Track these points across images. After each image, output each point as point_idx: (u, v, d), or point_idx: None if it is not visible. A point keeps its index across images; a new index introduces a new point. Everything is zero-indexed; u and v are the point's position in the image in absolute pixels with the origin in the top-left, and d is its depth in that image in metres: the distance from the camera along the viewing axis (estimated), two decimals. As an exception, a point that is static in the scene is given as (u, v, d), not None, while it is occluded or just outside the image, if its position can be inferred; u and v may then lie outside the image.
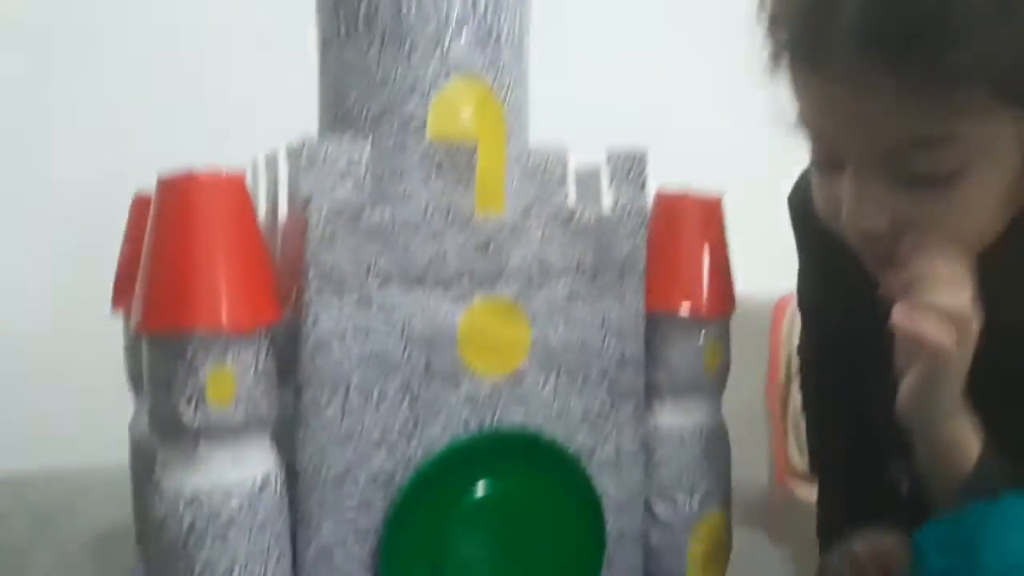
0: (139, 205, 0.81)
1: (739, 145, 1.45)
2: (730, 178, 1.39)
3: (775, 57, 0.60)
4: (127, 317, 0.81)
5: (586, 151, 0.81)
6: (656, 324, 0.76)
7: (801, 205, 0.76)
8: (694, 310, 0.75)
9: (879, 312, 0.59)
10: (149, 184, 0.82)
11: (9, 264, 1.18)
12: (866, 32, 0.51)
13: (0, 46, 1.16)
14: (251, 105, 1.21)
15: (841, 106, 0.56)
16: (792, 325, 1.41)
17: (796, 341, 1.37)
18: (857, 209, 0.58)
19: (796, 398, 1.38)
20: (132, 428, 0.83)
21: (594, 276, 0.72)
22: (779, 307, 1.46)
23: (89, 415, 1.06)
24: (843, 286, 0.71)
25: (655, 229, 0.76)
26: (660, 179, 0.77)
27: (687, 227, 0.76)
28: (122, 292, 0.81)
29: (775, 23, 0.59)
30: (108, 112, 1.21)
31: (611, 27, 1.36)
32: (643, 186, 0.74)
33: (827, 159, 0.61)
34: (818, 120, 0.59)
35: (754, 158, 1.44)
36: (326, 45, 0.73)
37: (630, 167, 0.73)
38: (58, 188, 1.19)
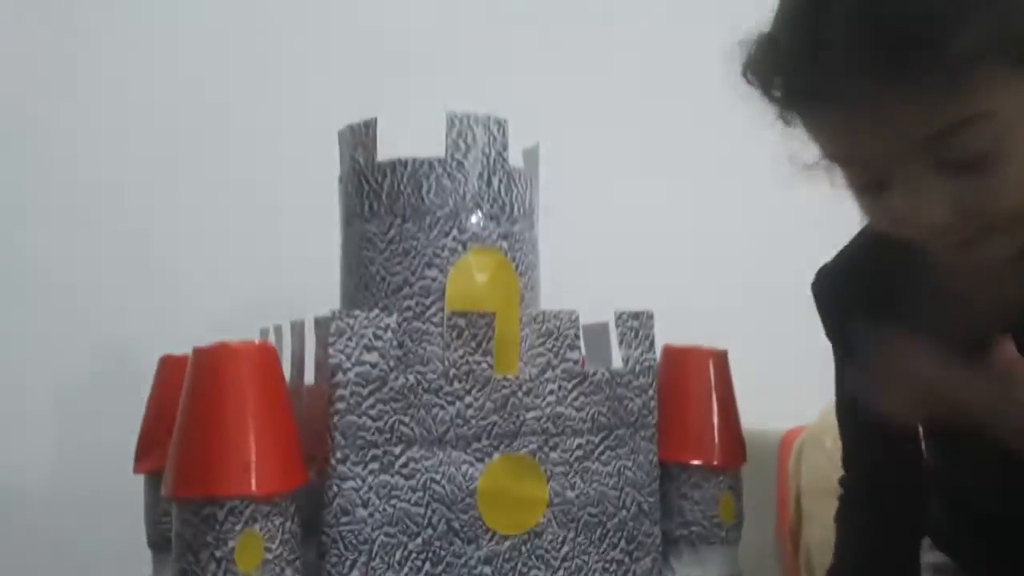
0: (166, 366, 0.84)
1: (740, 287, 1.51)
2: (734, 319, 1.45)
3: (784, 112, 0.61)
4: (149, 478, 0.83)
5: (597, 304, 0.85)
6: (670, 476, 0.78)
7: (824, 291, 0.78)
8: (707, 461, 0.77)
9: None
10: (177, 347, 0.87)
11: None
12: (863, 55, 0.52)
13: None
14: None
15: (865, 127, 0.56)
16: (799, 460, 1.42)
17: (804, 474, 1.39)
18: (918, 210, 0.57)
19: (807, 535, 1.38)
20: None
21: (608, 431, 0.75)
22: (785, 442, 1.47)
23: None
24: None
25: (664, 383, 0.79)
26: (666, 324, 0.80)
27: (695, 380, 0.79)
28: (145, 454, 0.83)
29: (769, 82, 0.60)
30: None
31: (616, 184, 1.43)
32: (651, 344, 0.77)
33: (869, 179, 0.60)
34: (848, 148, 0.59)
35: (755, 300, 1.50)
36: (350, 221, 0.77)
37: (638, 327, 0.77)
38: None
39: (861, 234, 0.76)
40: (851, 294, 0.73)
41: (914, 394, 0.63)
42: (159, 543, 0.82)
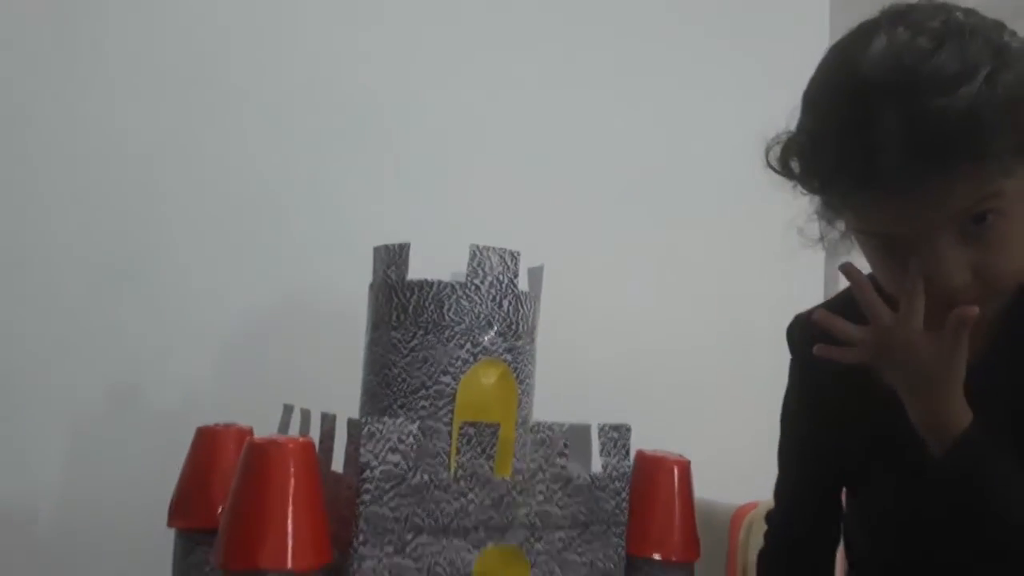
0: (202, 436, 0.96)
1: (706, 368, 1.65)
2: (696, 399, 1.59)
3: (833, 208, 0.74)
4: (180, 532, 0.94)
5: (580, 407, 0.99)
6: (635, 567, 0.91)
7: (798, 338, 0.92)
8: (667, 557, 0.90)
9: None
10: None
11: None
12: (915, 152, 0.64)
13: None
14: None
15: (911, 208, 0.68)
16: (748, 535, 1.55)
17: (752, 550, 1.51)
18: (947, 274, 0.69)
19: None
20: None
21: (585, 527, 0.88)
22: (737, 516, 1.59)
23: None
24: (829, 401, 0.88)
25: (635, 486, 0.92)
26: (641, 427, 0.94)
27: (662, 486, 0.92)
28: (179, 511, 0.94)
29: (809, 171, 0.72)
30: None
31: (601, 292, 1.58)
32: (627, 453, 0.90)
33: (899, 249, 0.71)
34: (883, 225, 0.71)
35: (715, 392, 1.65)
36: (377, 326, 0.90)
37: (616, 437, 0.90)
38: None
39: (838, 296, 0.90)
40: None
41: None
42: (188, 595, 0.93)
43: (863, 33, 0.71)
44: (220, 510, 0.91)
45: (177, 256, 1.32)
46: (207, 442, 0.95)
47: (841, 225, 0.78)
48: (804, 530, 0.96)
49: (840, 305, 0.84)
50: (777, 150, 0.75)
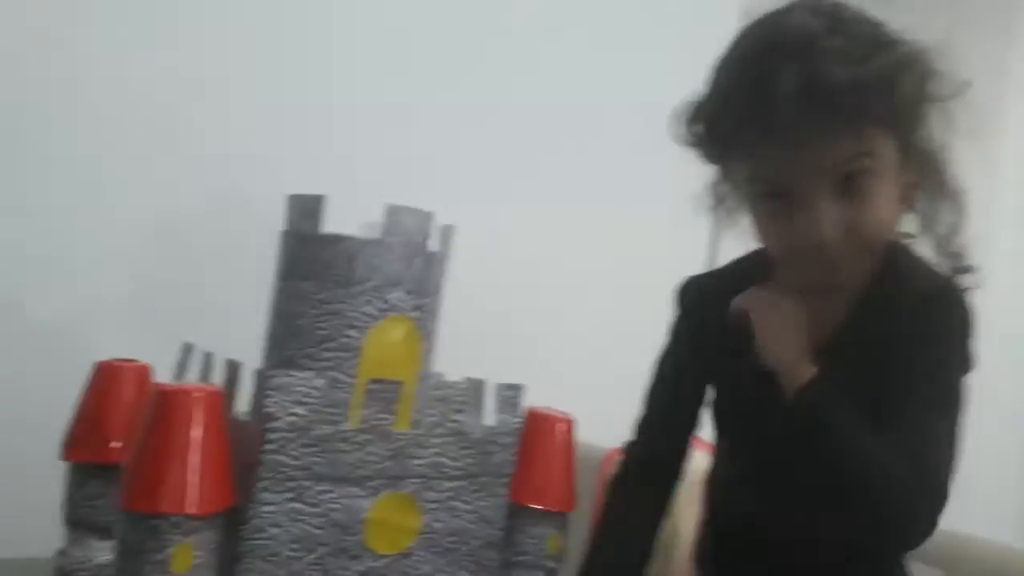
0: (100, 371, 0.96)
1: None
2: (585, 353, 1.67)
3: (722, 151, 0.81)
4: (74, 466, 0.95)
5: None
6: (515, 515, 0.97)
7: (686, 294, 0.95)
8: (545, 507, 0.97)
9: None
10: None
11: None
12: (806, 106, 0.72)
13: None
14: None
15: (793, 155, 0.76)
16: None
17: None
18: (819, 226, 0.77)
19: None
20: (58, 559, 0.96)
21: (475, 478, 0.94)
22: (606, 462, 1.69)
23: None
24: (704, 357, 0.93)
25: (524, 440, 0.98)
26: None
27: (547, 442, 0.99)
28: (74, 445, 0.94)
29: (712, 126, 0.80)
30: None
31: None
32: (518, 411, 0.96)
33: (777, 200, 0.79)
34: (772, 171, 0.78)
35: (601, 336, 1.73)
36: (286, 276, 0.92)
37: (511, 396, 0.96)
38: None
39: (730, 263, 0.95)
40: (711, 300, 0.89)
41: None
42: (76, 522, 0.94)
43: (772, 14, 0.80)
44: (115, 445, 0.93)
45: (75, 172, 1.27)
46: (105, 378, 0.95)
47: (732, 196, 0.85)
48: (659, 454, 0.97)
49: (728, 275, 0.92)
50: (683, 118, 0.82)
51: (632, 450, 1.02)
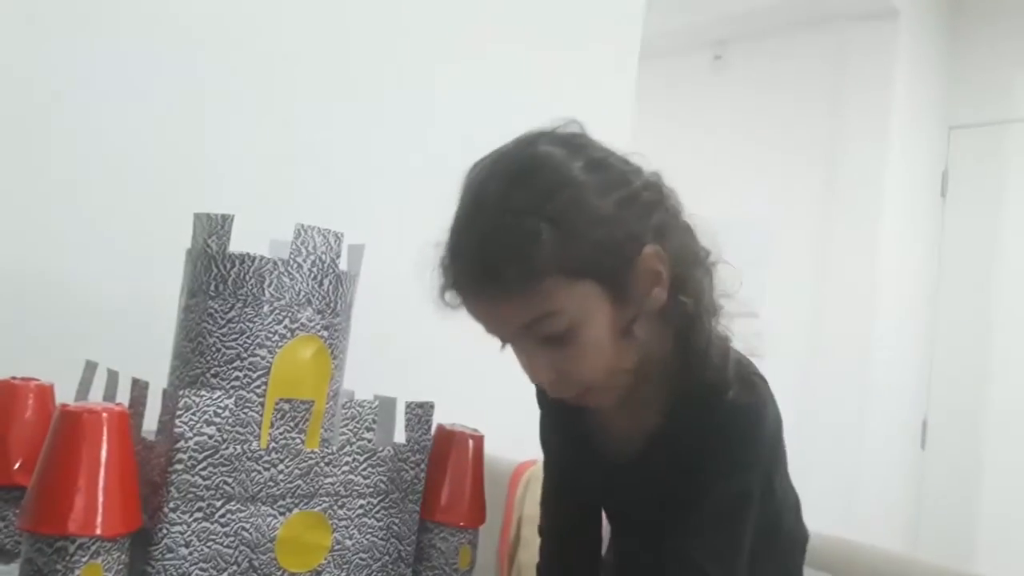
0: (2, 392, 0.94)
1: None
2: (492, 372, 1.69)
3: (446, 289, 0.85)
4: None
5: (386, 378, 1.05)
6: (426, 530, 0.99)
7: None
8: (454, 522, 0.99)
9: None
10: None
11: None
12: (474, 272, 0.79)
13: None
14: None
15: (480, 313, 0.83)
16: (525, 490, 1.68)
17: (526, 505, 1.65)
18: (531, 370, 0.84)
19: (521, 557, 1.65)
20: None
21: (386, 495, 0.95)
22: (514, 476, 1.73)
23: None
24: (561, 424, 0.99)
25: (434, 456, 1.00)
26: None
27: (457, 458, 1.01)
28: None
29: (440, 271, 0.85)
30: None
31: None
32: (429, 428, 0.98)
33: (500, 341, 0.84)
34: (479, 323, 0.84)
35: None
36: (194, 293, 0.92)
37: (421, 413, 0.98)
38: None
39: None
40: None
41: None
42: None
43: (481, 164, 0.84)
44: (16, 466, 0.91)
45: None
46: (5, 397, 0.93)
47: None
48: (567, 535, 1.04)
49: None
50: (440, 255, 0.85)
51: (545, 535, 1.06)
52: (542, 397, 1.02)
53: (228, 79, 1.45)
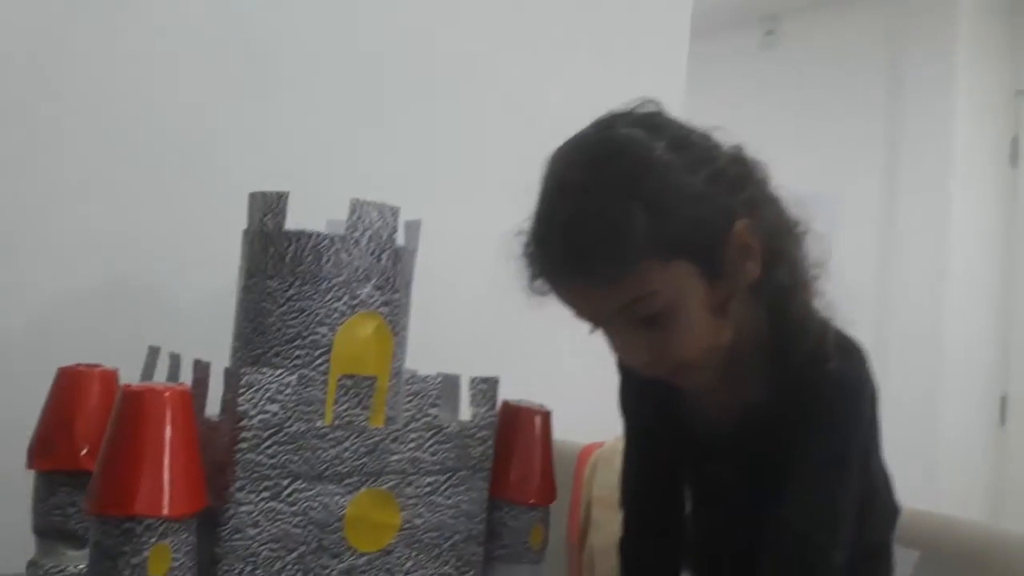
0: (63, 376, 0.94)
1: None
2: (555, 348, 1.66)
3: (535, 277, 0.83)
4: (42, 474, 0.93)
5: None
6: (496, 508, 0.97)
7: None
8: (525, 500, 0.97)
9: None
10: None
11: None
12: (569, 251, 0.77)
13: None
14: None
15: (573, 299, 0.81)
16: (593, 472, 1.65)
17: (595, 487, 1.62)
18: (624, 353, 0.82)
19: (592, 539, 1.62)
20: (31, 569, 0.93)
21: (453, 472, 0.93)
22: (583, 455, 1.70)
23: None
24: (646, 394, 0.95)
25: (500, 433, 0.97)
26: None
27: (524, 434, 0.98)
28: (40, 453, 0.92)
29: (525, 258, 0.83)
30: None
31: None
32: (494, 404, 0.96)
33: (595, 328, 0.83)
34: (571, 308, 0.82)
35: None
36: (252, 274, 0.91)
37: (486, 389, 0.95)
38: None
39: None
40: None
41: None
42: (45, 531, 0.92)
43: (571, 141, 0.82)
44: (84, 452, 0.91)
45: (34, 174, 1.24)
46: (70, 383, 0.93)
47: None
48: (648, 526, 1.00)
49: None
50: (524, 244, 0.84)
51: (625, 524, 1.03)
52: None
53: (291, 59, 1.44)
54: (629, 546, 1.00)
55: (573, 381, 1.55)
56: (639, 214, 0.74)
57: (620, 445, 1.53)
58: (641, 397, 0.98)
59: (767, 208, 0.82)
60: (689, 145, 0.80)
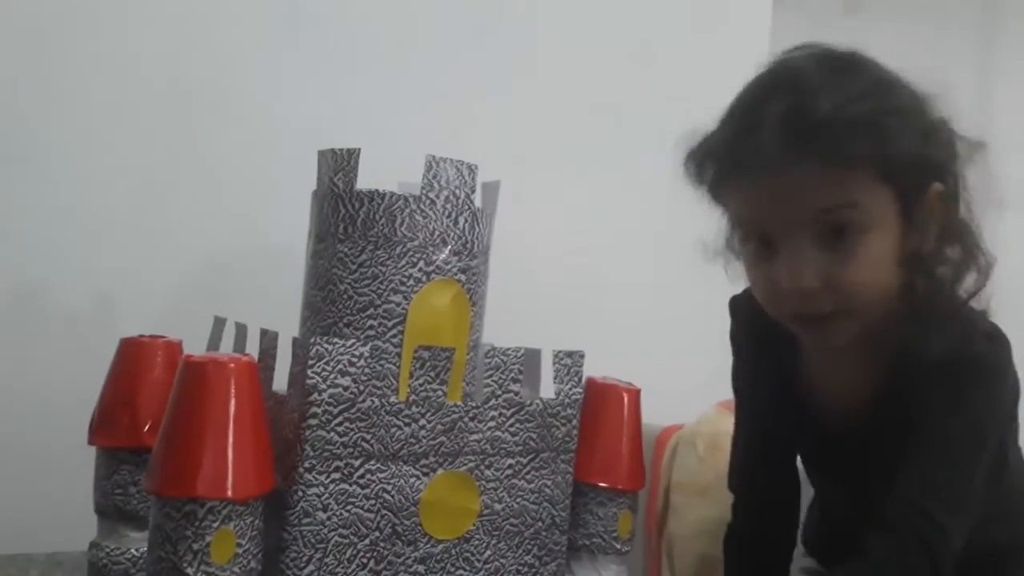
0: (127, 348, 0.89)
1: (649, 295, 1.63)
2: (636, 325, 1.58)
3: (716, 183, 0.78)
4: (103, 451, 0.88)
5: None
6: (581, 493, 0.89)
7: (741, 308, 0.92)
8: (612, 485, 0.89)
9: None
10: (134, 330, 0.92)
11: None
12: (788, 139, 0.70)
13: None
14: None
15: (774, 194, 0.74)
16: (672, 457, 1.57)
17: (675, 472, 1.54)
18: (796, 273, 0.74)
19: (672, 526, 1.54)
20: (93, 551, 0.89)
21: (535, 454, 0.85)
22: (662, 438, 1.61)
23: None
24: (767, 367, 0.90)
25: (585, 413, 0.89)
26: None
27: (612, 414, 0.90)
28: (102, 429, 0.88)
29: (707, 159, 0.78)
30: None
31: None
32: (579, 380, 0.88)
33: (763, 243, 0.77)
34: (755, 211, 0.77)
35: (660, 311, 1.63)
36: (322, 237, 0.84)
37: (570, 364, 0.87)
38: None
39: None
40: (763, 322, 0.84)
41: None
42: (107, 511, 0.87)
43: (783, 55, 0.80)
44: (146, 428, 0.86)
45: (97, 151, 1.20)
46: (132, 355, 0.88)
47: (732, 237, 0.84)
48: (770, 496, 0.94)
49: None
50: (685, 150, 0.80)
51: (735, 507, 0.95)
52: (742, 338, 0.93)
53: (364, 12, 1.37)
54: (744, 532, 0.93)
55: (651, 358, 1.46)
56: (874, 121, 0.71)
57: (702, 428, 1.45)
58: (758, 375, 0.90)
59: (956, 182, 0.78)
60: (913, 89, 0.76)
